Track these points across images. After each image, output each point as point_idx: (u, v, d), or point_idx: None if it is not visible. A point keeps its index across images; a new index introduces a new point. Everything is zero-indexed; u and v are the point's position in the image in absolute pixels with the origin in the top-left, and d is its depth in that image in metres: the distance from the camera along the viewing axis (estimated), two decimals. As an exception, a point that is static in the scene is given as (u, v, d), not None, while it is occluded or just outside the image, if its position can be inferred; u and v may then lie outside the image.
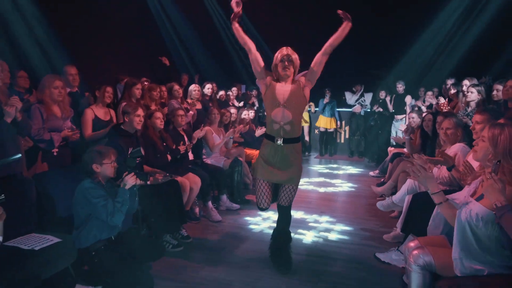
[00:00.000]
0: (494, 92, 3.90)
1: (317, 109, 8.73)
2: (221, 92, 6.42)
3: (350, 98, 8.49)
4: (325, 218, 4.08)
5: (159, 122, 3.70)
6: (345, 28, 2.62)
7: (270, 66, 2.79)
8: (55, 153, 3.05)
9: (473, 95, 4.02)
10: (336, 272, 2.81)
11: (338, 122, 8.43)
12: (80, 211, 2.46)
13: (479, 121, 2.71)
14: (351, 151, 8.52)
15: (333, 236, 3.57)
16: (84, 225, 2.43)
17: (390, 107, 7.39)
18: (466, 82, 4.64)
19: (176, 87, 4.79)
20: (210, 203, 4.03)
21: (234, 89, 6.95)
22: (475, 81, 4.57)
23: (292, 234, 3.10)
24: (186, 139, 4.18)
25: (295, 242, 3.33)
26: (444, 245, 2.02)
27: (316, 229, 3.75)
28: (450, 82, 5.83)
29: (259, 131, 5.91)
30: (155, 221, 3.14)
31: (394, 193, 4.18)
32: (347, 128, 8.76)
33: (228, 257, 3.09)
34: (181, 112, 4.12)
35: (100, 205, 2.37)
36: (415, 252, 1.97)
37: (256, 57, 2.71)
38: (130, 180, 2.49)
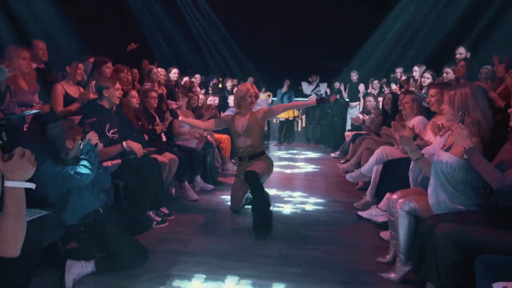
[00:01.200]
0: (444, 75, 4.44)
1: (275, 98, 9.00)
2: (186, 78, 6.35)
3: (306, 88, 8.88)
4: (298, 193, 4.28)
5: (135, 101, 3.61)
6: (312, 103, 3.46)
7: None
8: (25, 129, 2.84)
9: (429, 80, 4.50)
10: (319, 236, 3.01)
11: (298, 111, 8.77)
12: (51, 193, 2.32)
13: (434, 94, 3.07)
14: (307, 139, 8.93)
15: (309, 207, 3.78)
16: (64, 203, 2.30)
17: (345, 95, 7.89)
18: (415, 69, 5.17)
19: (155, 70, 4.67)
20: (186, 182, 4.02)
21: (198, 76, 6.90)
22: (424, 67, 5.10)
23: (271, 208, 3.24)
24: (158, 120, 4.11)
25: (275, 214, 3.47)
26: (422, 194, 2.30)
27: (292, 202, 3.94)
28: (399, 70, 6.42)
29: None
30: (139, 197, 3.07)
31: (358, 168, 4.53)
32: (303, 116, 9.16)
33: (214, 230, 3.14)
34: (154, 94, 4.04)
35: (63, 171, 2.17)
36: (400, 200, 2.22)
37: (218, 124, 3.53)
38: (93, 137, 2.33)
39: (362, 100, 7.72)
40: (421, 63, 5.09)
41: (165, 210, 3.35)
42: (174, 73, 5.61)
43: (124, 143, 2.95)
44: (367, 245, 2.83)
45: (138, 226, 2.68)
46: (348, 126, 7.87)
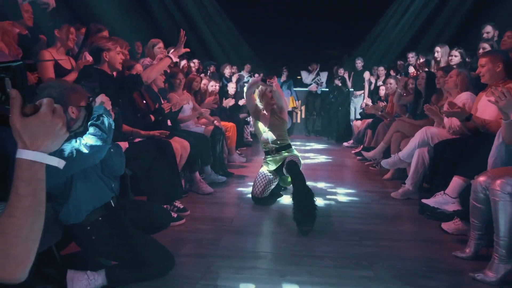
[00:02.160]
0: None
1: (272, 89, 8.50)
2: (183, 62, 5.76)
3: (306, 77, 8.40)
4: (322, 184, 3.80)
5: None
6: None
7: None
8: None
9: (457, 59, 4.11)
10: (371, 230, 2.53)
11: (297, 102, 8.31)
12: (49, 180, 1.73)
13: (484, 64, 2.68)
14: (308, 131, 8.48)
15: (342, 199, 3.30)
16: (66, 195, 1.70)
17: (349, 83, 7.48)
18: (437, 49, 4.78)
19: (161, 44, 4.07)
20: (197, 173, 3.46)
21: (196, 61, 6.31)
22: (447, 47, 4.73)
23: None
24: (163, 100, 3.53)
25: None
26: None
27: (321, 194, 3.44)
28: (411, 55, 6.04)
29: (228, 102, 5.53)
30: (150, 188, 2.50)
31: (386, 155, 4.10)
32: (303, 107, 8.70)
33: (244, 227, 2.60)
34: None
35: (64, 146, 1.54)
36: (499, 181, 1.77)
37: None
38: (105, 100, 1.78)
39: (367, 88, 7.34)
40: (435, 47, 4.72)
41: (179, 204, 2.79)
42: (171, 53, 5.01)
43: None
44: (431, 238, 2.38)
45: (155, 223, 2.10)
46: (352, 116, 7.48)
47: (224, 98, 6.15)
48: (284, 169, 2.99)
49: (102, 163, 1.74)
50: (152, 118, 3.04)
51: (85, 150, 1.52)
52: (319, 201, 3.17)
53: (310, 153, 5.83)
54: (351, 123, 7.27)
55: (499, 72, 2.55)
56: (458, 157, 2.53)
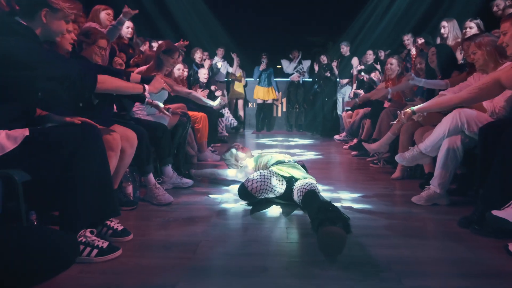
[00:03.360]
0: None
1: (250, 79, 7.63)
2: (145, 44, 4.81)
3: (287, 66, 7.57)
4: (319, 187, 2.95)
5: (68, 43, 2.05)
6: None
7: None
8: None
9: (473, 30, 3.43)
10: (406, 257, 1.70)
11: (277, 93, 7.47)
12: None
13: (507, 30, 2.05)
14: (290, 125, 7.69)
15: (350, 206, 2.46)
16: None
17: (336, 71, 6.71)
18: (444, 24, 4.08)
19: (109, 11, 3.28)
20: (152, 176, 2.51)
21: (162, 42, 5.32)
22: (455, 21, 4.04)
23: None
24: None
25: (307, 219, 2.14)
26: None
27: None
28: (407, 37, 5.36)
29: (198, 91, 4.63)
30: (68, 202, 1.55)
31: (394, 148, 3.33)
32: (284, 100, 7.88)
33: (214, 259, 1.67)
34: (103, 42, 2.47)
35: None
36: None
37: None
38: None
39: (355, 75, 6.60)
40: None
41: (115, 224, 1.84)
42: (127, 27, 4.02)
43: None
44: (495, 269, 1.57)
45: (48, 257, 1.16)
46: (340, 108, 6.73)
47: (193, 86, 5.25)
48: (298, 198, 2.24)
49: None
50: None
51: None
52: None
53: (296, 149, 5.00)
54: (340, 115, 6.52)
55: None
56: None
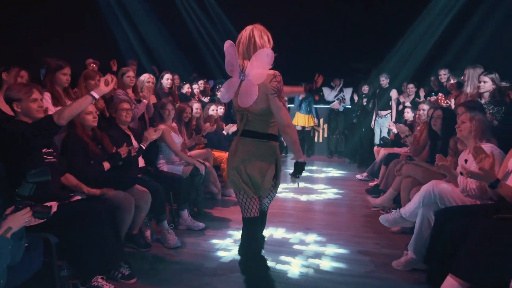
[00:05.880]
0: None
1: (291, 105, 7.97)
2: (186, 86, 5.48)
3: (328, 94, 7.77)
4: (312, 237, 3.25)
5: (91, 119, 2.72)
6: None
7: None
8: None
9: (487, 85, 3.37)
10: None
11: (316, 120, 7.71)
12: None
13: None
14: (330, 151, 7.84)
15: (326, 264, 2.73)
16: None
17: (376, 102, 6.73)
18: (465, 72, 3.99)
19: (131, 73, 3.82)
20: (166, 223, 3.09)
21: (201, 82, 6.00)
22: (478, 70, 3.93)
23: (273, 264, 2.56)
24: (133, 140, 3.22)
25: (278, 277, 2.49)
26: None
27: (303, 254, 2.91)
28: (443, 72, 5.23)
29: (230, 128, 5.07)
30: (80, 257, 2.17)
31: (397, 203, 3.46)
32: (325, 126, 8.07)
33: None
34: (125, 105, 3.15)
35: None
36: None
37: None
38: (22, 219, 1.55)
39: (394, 108, 6.57)
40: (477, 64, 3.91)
41: (123, 270, 2.43)
42: (167, 79, 4.73)
43: None
44: None
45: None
46: (377, 139, 6.72)
47: (230, 123, 5.77)
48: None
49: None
50: (107, 165, 2.73)
51: None
52: (295, 268, 2.68)
53: (321, 184, 5.23)
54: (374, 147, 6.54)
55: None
56: (461, 241, 1.89)
